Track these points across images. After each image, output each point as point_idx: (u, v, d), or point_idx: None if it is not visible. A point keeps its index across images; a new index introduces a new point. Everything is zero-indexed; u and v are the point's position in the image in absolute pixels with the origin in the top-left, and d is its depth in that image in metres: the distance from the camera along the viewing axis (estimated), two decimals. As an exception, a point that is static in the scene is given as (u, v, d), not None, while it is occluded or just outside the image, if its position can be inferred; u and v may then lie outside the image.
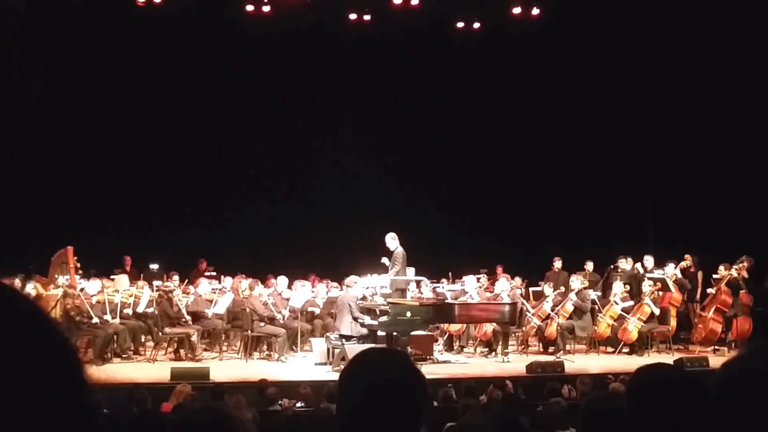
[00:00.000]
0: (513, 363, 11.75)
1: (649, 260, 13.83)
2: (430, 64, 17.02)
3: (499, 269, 15.15)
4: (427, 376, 1.81)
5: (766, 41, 13.95)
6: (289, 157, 17.36)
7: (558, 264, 14.80)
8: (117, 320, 11.74)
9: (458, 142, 17.51)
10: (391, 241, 12.36)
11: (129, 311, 12.16)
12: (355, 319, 11.21)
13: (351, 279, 11.91)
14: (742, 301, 12.67)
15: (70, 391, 0.85)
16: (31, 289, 12.16)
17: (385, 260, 12.54)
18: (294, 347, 12.38)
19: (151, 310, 12.25)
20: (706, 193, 14.91)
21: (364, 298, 12.19)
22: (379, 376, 1.67)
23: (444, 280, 13.95)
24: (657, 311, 12.60)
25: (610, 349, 12.98)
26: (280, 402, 7.86)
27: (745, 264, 12.71)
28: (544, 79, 16.78)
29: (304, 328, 12.63)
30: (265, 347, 12.31)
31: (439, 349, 12.70)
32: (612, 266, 14.16)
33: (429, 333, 12.23)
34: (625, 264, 14.06)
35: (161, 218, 16.12)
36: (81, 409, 0.86)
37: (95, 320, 11.23)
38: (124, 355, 11.83)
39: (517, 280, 14.09)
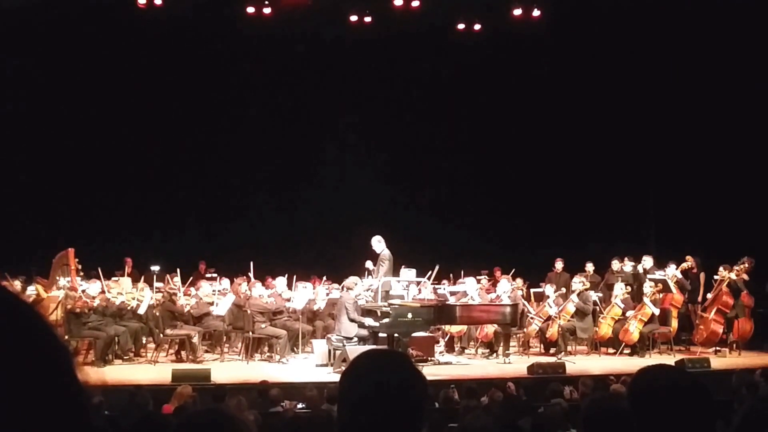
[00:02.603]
0: (514, 364, 11.75)
1: (647, 260, 13.81)
2: (431, 66, 17.01)
3: (497, 271, 15.18)
4: (428, 378, 1.81)
5: (765, 42, 13.95)
6: (289, 159, 17.34)
7: (559, 265, 14.79)
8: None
9: (460, 144, 17.51)
10: (377, 243, 12.43)
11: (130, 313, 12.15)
12: (352, 320, 11.19)
13: (351, 280, 11.89)
14: (743, 302, 12.66)
15: (63, 391, 0.85)
16: (33, 291, 12.18)
17: (369, 264, 12.59)
18: (295, 349, 12.38)
19: (152, 303, 12.23)
20: (708, 194, 14.90)
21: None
22: (380, 378, 1.67)
23: (445, 281, 13.95)
24: (657, 312, 12.60)
25: (611, 351, 12.98)
26: (281, 404, 7.86)
27: (746, 265, 12.71)
28: (545, 80, 16.78)
29: (305, 329, 12.63)
30: (266, 349, 12.31)
31: (440, 351, 12.69)
32: (610, 268, 14.19)
33: (430, 334, 12.23)
34: (618, 265, 14.06)
35: (162, 220, 16.12)
36: (75, 409, 0.85)
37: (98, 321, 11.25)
38: (125, 357, 11.82)
39: (519, 282, 14.08)
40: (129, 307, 11.86)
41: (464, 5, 16.19)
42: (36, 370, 0.82)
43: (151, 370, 11.02)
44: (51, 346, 0.86)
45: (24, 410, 0.80)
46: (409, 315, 10.74)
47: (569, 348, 12.66)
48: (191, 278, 14.17)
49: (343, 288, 12.03)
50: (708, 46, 14.66)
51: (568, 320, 12.70)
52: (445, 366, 11.70)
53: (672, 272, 13.22)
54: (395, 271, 12.44)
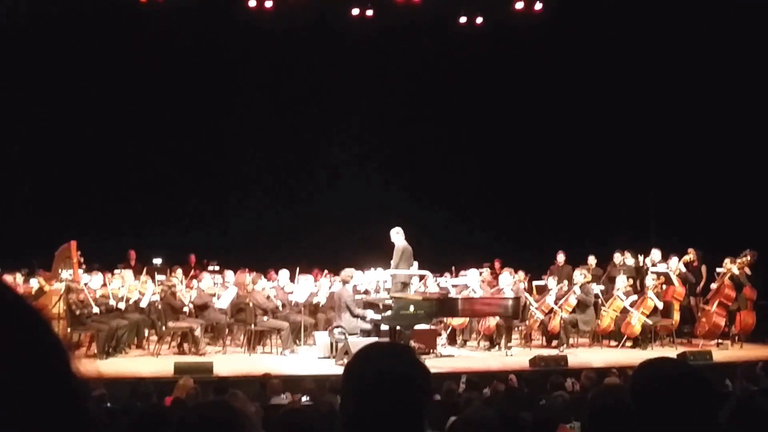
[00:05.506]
0: (516, 357, 11.75)
1: (656, 253, 13.79)
2: (433, 60, 16.98)
3: (497, 263, 15.20)
4: (431, 370, 1.81)
5: (765, 38, 13.91)
6: (292, 152, 17.35)
7: (561, 258, 14.78)
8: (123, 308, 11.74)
9: (462, 137, 17.49)
10: (395, 235, 12.36)
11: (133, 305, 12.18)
12: (356, 316, 11.17)
13: (346, 273, 11.84)
14: (746, 295, 12.66)
15: (59, 385, 0.84)
16: (35, 284, 12.20)
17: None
18: (297, 341, 12.40)
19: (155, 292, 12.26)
20: (710, 186, 14.88)
21: (366, 292, 12.16)
22: (382, 370, 1.67)
23: (447, 274, 13.95)
24: (660, 305, 12.59)
25: (613, 343, 12.99)
26: (283, 395, 7.87)
27: (748, 258, 12.70)
28: (546, 74, 16.74)
29: (308, 322, 12.64)
30: (268, 341, 12.32)
31: (443, 343, 12.70)
32: (612, 261, 14.19)
33: (432, 327, 12.23)
34: (620, 258, 14.05)
35: (165, 212, 16.13)
36: (71, 403, 0.85)
37: (96, 310, 11.27)
38: (127, 350, 11.85)
39: (521, 274, 14.09)
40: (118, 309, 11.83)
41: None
42: (30, 365, 0.82)
43: (154, 363, 11.03)
44: (45, 340, 0.86)
45: (19, 406, 0.80)
46: (411, 308, 10.74)
47: (571, 340, 12.67)
48: (191, 272, 14.22)
49: (342, 282, 12.01)
50: (709, 39, 14.62)
51: (570, 313, 12.71)
52: (447, 359, 11.71)
53: (675, 265, 13.22)
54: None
